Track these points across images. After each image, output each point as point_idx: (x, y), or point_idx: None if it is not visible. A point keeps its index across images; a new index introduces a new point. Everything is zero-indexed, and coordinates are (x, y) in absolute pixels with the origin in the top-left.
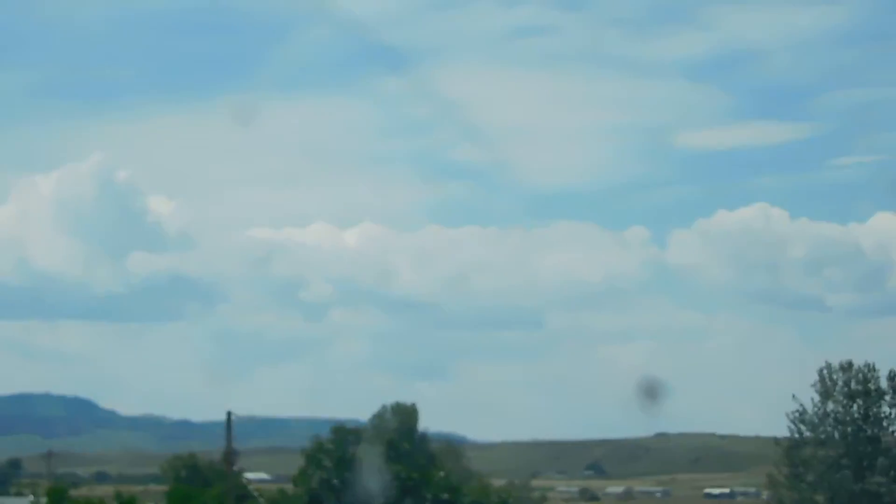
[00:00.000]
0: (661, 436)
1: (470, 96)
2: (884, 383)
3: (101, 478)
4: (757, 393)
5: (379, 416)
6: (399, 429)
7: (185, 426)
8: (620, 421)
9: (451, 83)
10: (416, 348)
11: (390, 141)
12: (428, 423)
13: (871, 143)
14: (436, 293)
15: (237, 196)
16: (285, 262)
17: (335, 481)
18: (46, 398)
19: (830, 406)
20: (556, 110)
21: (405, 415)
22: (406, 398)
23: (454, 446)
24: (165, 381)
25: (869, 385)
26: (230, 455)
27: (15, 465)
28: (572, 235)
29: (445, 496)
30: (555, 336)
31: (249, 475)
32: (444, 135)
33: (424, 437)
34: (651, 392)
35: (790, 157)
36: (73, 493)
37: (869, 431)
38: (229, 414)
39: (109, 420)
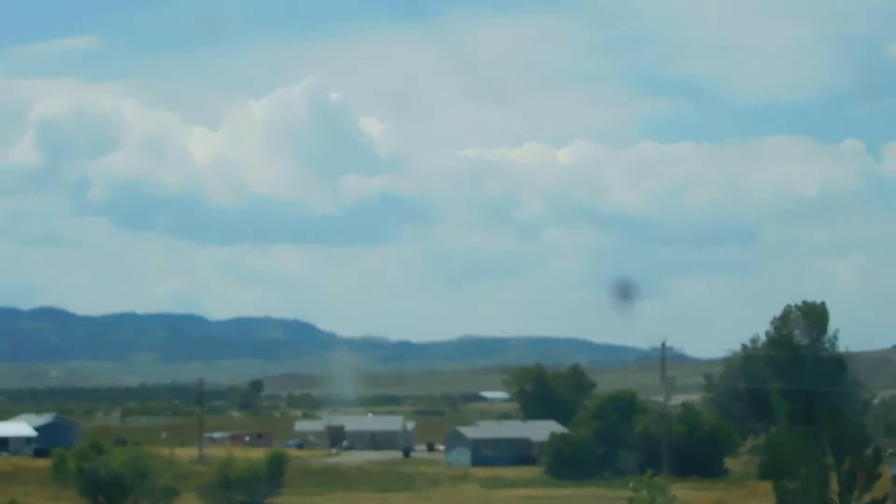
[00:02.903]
0: None
1: (681, 11)
2: None
3: (339, 399)
4: None
5: (783, 319)
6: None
7: (405, 347)
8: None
9: None
10: (629, 265)
11: (601, 58)
12: (643, 340)
13: None
14: (649, 209)
15: (448, 116)
16: (498, 182)
17: None
18: (266, 321)
19: None
20: (770, 23)
21: (815, 315)
22: (618, 316)
23: (850, 353)
24: (383, 302)
25: None
26: None
27: (257, 386)
28: (786, 149)
29: None
30: (768, 250)
31: (487, 394)
32: (657, 50)
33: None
34: (624, 293)
35: None
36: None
37: None
38: None
39: (329, 342)
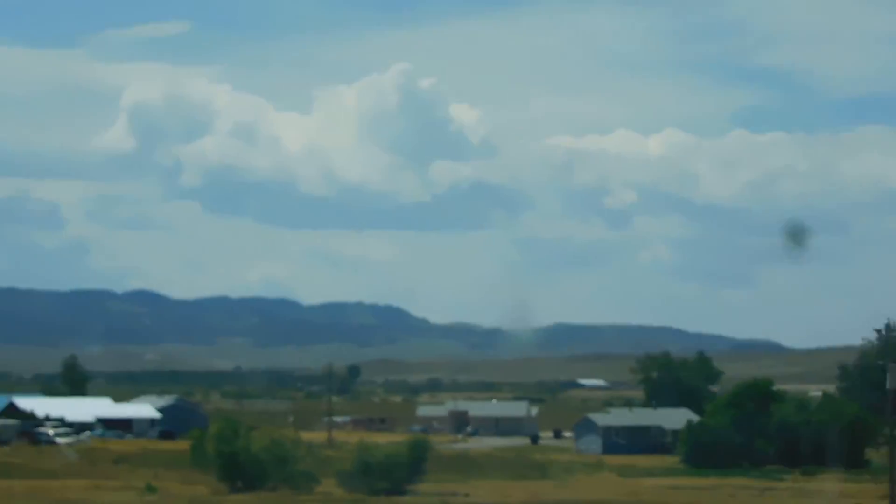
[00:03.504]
0: None
1: None
2: None
3: (434, 385)
4: None
5: None
6: None
7: (496, 334)
8: None
9: None
10: (720, 255)
11: (693, 46)
12: (735, 330)
13: None
14: (740, 199)
15: (539, 104)
16: (588, 169)
17: None
18: (358, 307)
19: None
20: (862, 11)
21: None
22: (710, 305)
23: None
24: (474, 288)
25: None
26: None
27: (354, 371)
28: (879, 139)
29: None
30: (861, 241)
31: (584, 381)
32: (749, 39)
33: None
34: (796, 235)
35: None
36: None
37: None
38: None
39: (421, 328)
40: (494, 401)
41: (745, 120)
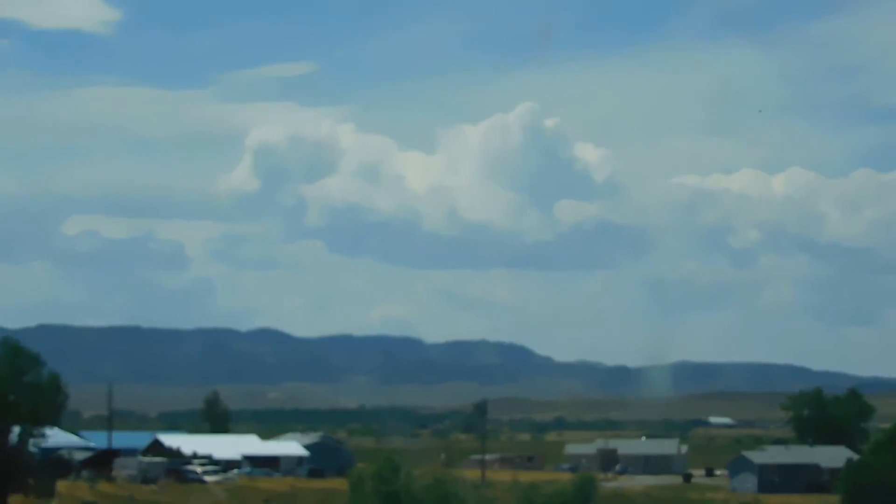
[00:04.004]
0: None
1: None
2: None
3: (559, 424)
4: None
5: None
6: None
7: (621, 372)
8: None
9: (879, 25)
10: (844, 294)
11: (817, 85)
12: (859, 368)
13: None
14: (865, 238)
15: (663, 143)
16: (712, 209)
17: None
18: (482, 345)
19: None
20: None
21: None
22: (834, 344)
23: None
24: (599, 327)
25: None
26: None
27: (482, 409)
28: None
29: None
30: None
31: (713, 419)
32: (873, 78)
33: None
34: None
35: None
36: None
37: None
38: None
39: (545, 367)
40: (644, 438)
41: (870, 158)
